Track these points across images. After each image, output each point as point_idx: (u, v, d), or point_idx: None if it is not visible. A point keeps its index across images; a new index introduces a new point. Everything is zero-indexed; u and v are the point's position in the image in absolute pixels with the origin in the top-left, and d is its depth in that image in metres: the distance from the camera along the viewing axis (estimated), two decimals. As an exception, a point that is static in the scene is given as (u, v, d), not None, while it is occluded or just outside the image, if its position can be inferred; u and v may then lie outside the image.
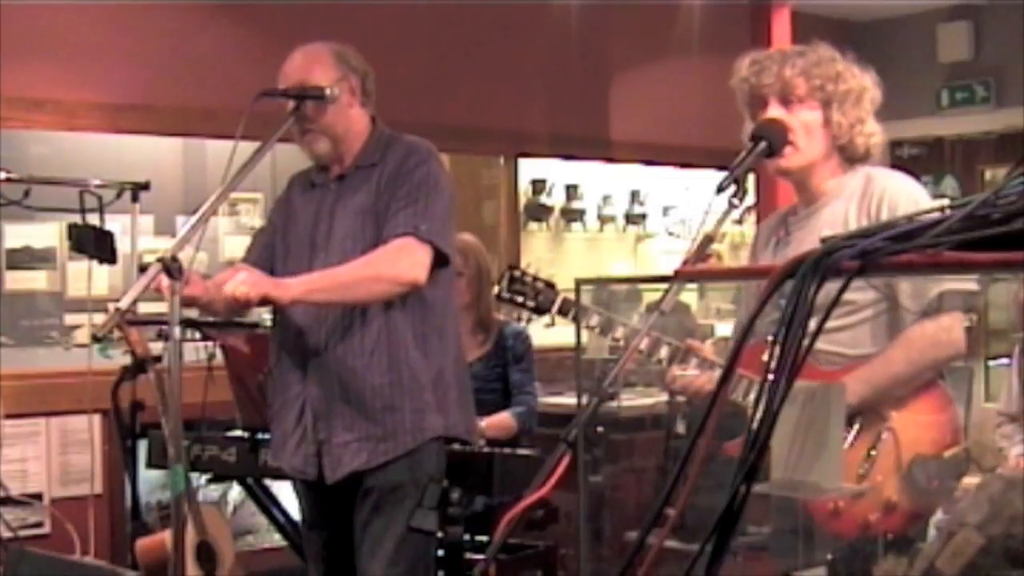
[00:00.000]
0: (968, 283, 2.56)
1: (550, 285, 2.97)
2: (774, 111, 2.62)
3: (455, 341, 3.17)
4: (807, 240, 2.59)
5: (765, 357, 2.42)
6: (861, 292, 2.57)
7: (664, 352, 2.72)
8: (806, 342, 1.22)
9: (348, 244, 3.03)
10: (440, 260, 3.00)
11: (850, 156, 2.69)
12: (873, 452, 2.57)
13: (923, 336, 2.57)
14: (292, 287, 2.86)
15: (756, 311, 1.30)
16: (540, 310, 2.98)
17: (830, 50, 2.70)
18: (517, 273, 3.00)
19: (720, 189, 2.19)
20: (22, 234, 5.29)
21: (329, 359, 3.03)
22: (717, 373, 2.63)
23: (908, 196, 2.61)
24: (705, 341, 2.78)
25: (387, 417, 3.01)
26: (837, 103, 2.64)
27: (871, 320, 2.60)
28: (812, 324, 1.21)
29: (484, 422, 4.02)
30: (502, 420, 4.25)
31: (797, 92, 2.62)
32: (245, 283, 2.79)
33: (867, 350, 2.58)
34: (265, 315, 3.35)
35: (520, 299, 2.98)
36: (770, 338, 1.24)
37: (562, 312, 2.91)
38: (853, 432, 2.58)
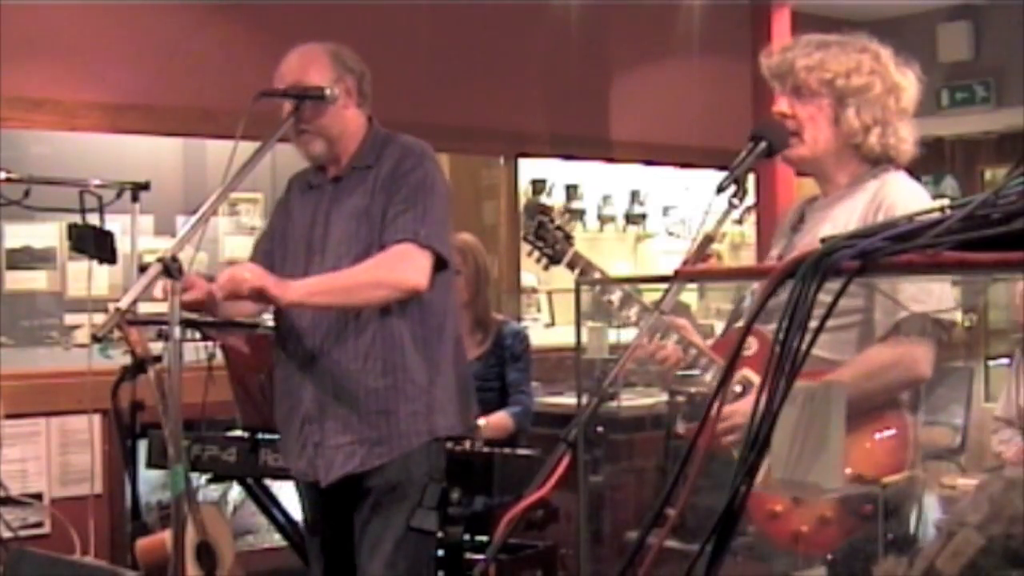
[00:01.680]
0: (937, 307, 2.44)
1: (568, 237, 2.97)
2: (783, 102, 2.59)
3: (455, 341, 3.17)
4: (814, 232, 2.55)
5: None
6: (844, 298, 2.49)
7: (643, 321, 2.67)
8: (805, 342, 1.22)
9: (343, 247, 3.03)
10: (440, 264, 3.01)
11: (866, 156, 2.59)
12: None
13: (876, 359, 2.46)
14: (292, 289, 2.87)
15: (756, 310, 1.30)
16: (554, 260, 2.97)
17: (863, 41, 2.61)
18: (546, 220, 2.99)
19: (720, 189, 2.18)
20: (22, 234, 5.29)
21: (325, 363, 3.04)
22: (692, 352, 2.62)
23: (904, 207, 2.45)
24: (705, 341, 2.75)
25: (382, 420, 3.01)
26: (851, 99, 2.55)
27: (841, 329, 2.46)
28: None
29: (482, 422, 4.02)
30: (500, 420, 4.25)
31: (808, 85, 2.56)
32: (249, 271, 2.83)
33: (828, 355, 2.41)
34: (266, 316, 3.35)
35: (540, 244, 2.98)
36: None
37: (570, 266, 2.92)
38: None
